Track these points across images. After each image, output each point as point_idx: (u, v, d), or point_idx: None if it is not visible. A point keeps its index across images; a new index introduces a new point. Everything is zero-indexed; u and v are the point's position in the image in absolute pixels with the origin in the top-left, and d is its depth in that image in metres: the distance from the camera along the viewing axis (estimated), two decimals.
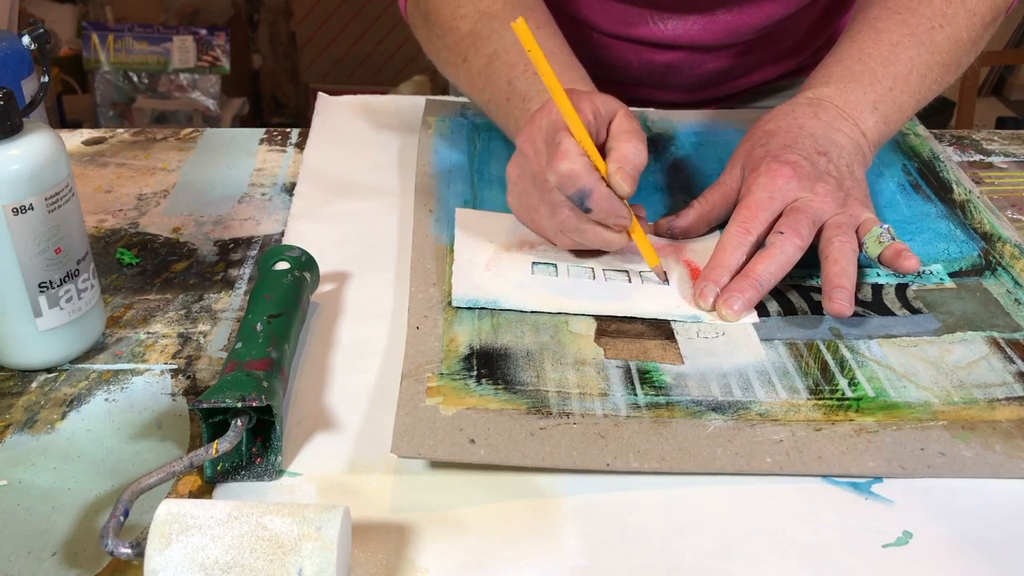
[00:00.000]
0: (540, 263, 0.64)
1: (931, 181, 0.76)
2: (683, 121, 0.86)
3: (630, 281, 0.63)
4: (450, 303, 0.60)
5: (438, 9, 0.77)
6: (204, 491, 0.48)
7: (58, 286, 0.54)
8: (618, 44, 0.90)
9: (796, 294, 0.63)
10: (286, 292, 0.57)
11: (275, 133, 0.87)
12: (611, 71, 0.91)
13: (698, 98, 0.95)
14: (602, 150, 0.61)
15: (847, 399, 0.53)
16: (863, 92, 0.68)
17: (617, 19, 0.88)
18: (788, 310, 0.61)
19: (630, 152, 0.60)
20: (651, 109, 0.89)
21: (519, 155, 0.64)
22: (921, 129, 0.84)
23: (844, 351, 0.57)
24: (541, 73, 0.60)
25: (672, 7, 0.86)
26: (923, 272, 0.65)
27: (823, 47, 0.96)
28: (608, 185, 0.60)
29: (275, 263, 0.60)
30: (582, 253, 0.66)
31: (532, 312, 0.60)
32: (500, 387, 0.53)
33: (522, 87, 0.70)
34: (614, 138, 0.61)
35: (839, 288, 0.58)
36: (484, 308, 0.59)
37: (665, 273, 0.64)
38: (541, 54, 0.60)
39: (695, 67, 0.91)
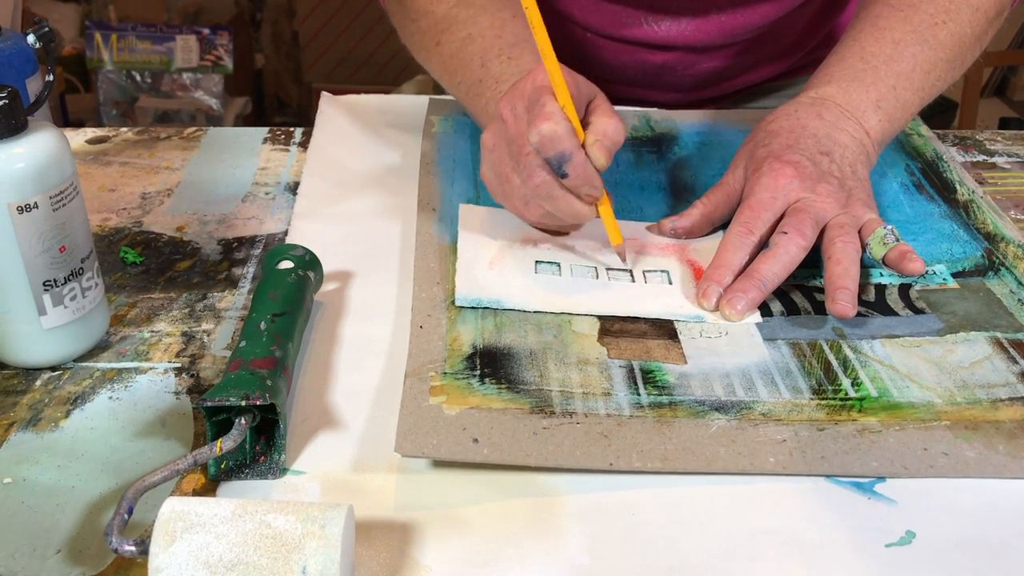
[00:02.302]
0: (543, 262, 0.64)
1: (934, 181, 0.76)
2: (686, 121, 0.86)
3: (633, 281, 0.63)
4: (453, 302, 0.60)
5: None
6: (208, 489, 0.48)
7: (62, 284, 0.54)
8: (612, 45, 0.90)
9: (799, 294, 0.63)
10: (290, 291, 0.57)
11: (278, 132, 0.87)
12: (605, 71, 0.91)
13: (693, 98, 0.94)
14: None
15: (850, 399, 0.53)
16: (866, 91, 0.68)
17: (611, 20, 0.87)
18: (791, 310, 0.61)
19: (610, 128, 0.59)
20: (654, 109, 0.89)
21: (497, 121, 0.63)
22: (924, 129, 0.84)
23: (847, 351, 0.57)
24: (536, 36, 0.59)
25: (666, 8, 0.86)
26: (926, 272, 0.65)
27: (818, 47, 0.96)
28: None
29: (279, 262, 0.60)
30: (578, 249, 0.66)
31: (535, 312, 0.60)
32: (503, 386, 0.53)
33: (496, 70, 0.69)
34: (594, 113, 0.61)
35: (842, 289, 0.58)
36: (487, 308, 0.60)
37: (625, 254, 0.63)
38: (538, 15, 0.59)
39: (689, 67, 0.90)
